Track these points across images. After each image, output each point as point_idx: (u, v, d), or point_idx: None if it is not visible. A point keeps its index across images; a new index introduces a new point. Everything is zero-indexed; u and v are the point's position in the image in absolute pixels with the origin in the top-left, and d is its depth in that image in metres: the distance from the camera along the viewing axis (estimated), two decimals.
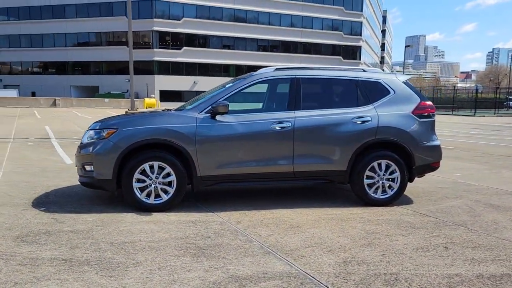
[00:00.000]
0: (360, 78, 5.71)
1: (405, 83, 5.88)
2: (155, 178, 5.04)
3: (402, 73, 6.52)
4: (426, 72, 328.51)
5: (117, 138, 4.98)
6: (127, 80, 54.19)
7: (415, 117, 5.68)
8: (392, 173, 5.58)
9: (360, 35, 66.91)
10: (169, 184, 5.09)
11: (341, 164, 5.47)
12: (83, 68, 59.43)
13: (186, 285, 3.13)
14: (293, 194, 6.19)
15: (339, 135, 5.43)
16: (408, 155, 5.61)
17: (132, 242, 4.00)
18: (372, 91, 5.69)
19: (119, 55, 53.95)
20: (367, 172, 5.53)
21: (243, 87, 5.44)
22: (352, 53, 66.45)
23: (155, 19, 53.26)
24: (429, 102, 5.89)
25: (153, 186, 5.05)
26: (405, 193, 6.28)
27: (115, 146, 4.95)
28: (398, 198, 5.68)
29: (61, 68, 60.16)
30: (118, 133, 5.01)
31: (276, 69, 5.68)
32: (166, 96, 53.82)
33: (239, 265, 3.55)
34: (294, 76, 5.56)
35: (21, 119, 22.78)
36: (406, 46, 66.75)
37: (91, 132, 5.24)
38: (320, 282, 3.26)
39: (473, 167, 9.12)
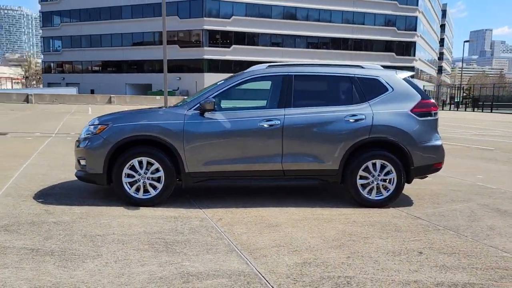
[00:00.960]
0: (356, 75, 5.54)
1: (406, 80, 5.64)
2: (144, 173, 5.17)
3: (403, 70, 6.23)
4: (491, 69, 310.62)
5: (107, 134, 5.16)
6: (178, 78, 55.80)
7: (414, 115, 5.43)
8: (387, 173, 5.38)
9: (415, 30, 64.51)
10: (158, 179, 5.20)
11: (333, 163, 5.34)
12: (138, 66, 61.65)
13: (132, 279, 3.21)
14: (290, 193, 6.12)
15: (330, 133, 5.31)
16: (405, 155, 5.39)
17: (104, 235, 4.14)
18: (369, 89, 5.50)
19: (170, 53, 55.31)
20: (361, 172, 5.36)
21: (233, 84, 5.45)
22: (406, 49, 64.24)
23: (205, 18, 54.22)
24: (431, 100, 5.61)
25: (141, 181, 5.18)
26: (409, 194, 6.06)
27: (105, 142, 5.13)
28: (394, 200, 5.46)
29: (118, 66, 62.78)
30: (108, 129, 5.19)
31: (269, 66, 5.64)
32: None
33: (196, 262, 3.58)
34: (286, 73, 5.49)
35: (73, 115, 24.01)
36: (465, 41, 63.47)
37: (88, 127, 5.45)
38: (268, 282, 3.23)
39: (503, 169, 8.58)
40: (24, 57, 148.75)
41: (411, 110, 5.44)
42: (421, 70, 74.50)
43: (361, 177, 5.38)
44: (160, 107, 5.98)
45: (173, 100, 46.61)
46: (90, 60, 64.21)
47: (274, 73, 5.56)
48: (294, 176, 5.40)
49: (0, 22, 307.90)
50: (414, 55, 65.37)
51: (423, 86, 73.53)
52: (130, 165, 5.15)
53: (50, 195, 5.57)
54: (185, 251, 3.80)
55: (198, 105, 5.24)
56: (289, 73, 5.49)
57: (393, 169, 5.36)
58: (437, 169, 5.63)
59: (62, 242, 3.92)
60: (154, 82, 59.05)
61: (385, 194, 5.41)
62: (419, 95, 5.53)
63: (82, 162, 5.31)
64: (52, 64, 68.79)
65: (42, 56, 74.88)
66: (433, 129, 5.56)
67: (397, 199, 5.49)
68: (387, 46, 63.02)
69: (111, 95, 49.10)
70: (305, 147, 5.31)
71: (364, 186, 5.40)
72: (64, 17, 64.93)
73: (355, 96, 5.47)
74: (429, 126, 5.52)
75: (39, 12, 69.37)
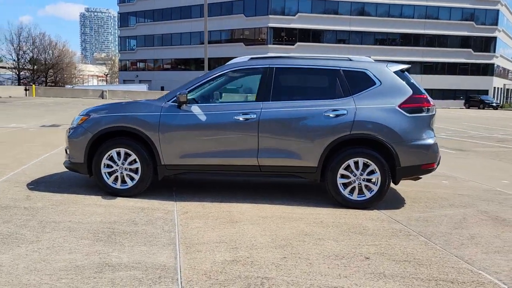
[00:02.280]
0: (341, 68, 5.23)
1: (397, 73, 5.22)
2: (122, 164, 5.26)
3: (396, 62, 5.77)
4: None
5: (88, 125, 5.31)
6: None
7: (402, 111, 5.03)
8: (371, 173, 5.04)
9: (496, 24, 59.92)
10: (136, 171, 5.27)
11: (311, 160, 5.10)
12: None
13: (48, 265, 3.26)
14: (278, 188, 5.92)
15: (308, 129, 5.07)
16: (390, 154, 5.01)
17: (59, 222, 4.26)
18: (355, 82, 5.18)
19: (235, 52, 56.16)
20: (342, 171, 5.06)
21: (212, 76, 5.38)
22: (485, 45, 59.89)
23: (270, 16, 54.30)
24: (425, 95, 5.16)
25: (119, 171, 5.27)
26: (405, 197, 5.69)
27: (85, 132, 5.29)
28: (378, 202, 5.10)
29: (187, 64, 64.87)
30: (89, 119, 5.34)
31: (251, 58, 5.49)
32: None
33: (126, 253, 3.57)
34: (268, 66, 5.31)
35: None
36: None
37: (77, 118, 5.65)
38: (179, 278, 3.14)
39: None
40: (109, 56, 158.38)
41: (399, 106, 5.04)
42: (503, 68, 69.14)
43: (342, 176, 5.08)
44: (147, 100, 6.04)
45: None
46: (161, 58, 66.91)
47: (255, 65, 5.41)
48: (270, 172, 5.23)
49: (90, 23, 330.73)
50: (495, 52, 60.76)
51: (504, 85, 68.24)
52: (109, 155, 5.26)
53: (44, 183, 5.84)
54: (124, 242, 3.81)
55: (175, 97, 5.23)
56: (270, 66, 5.31)
57: (377, 168, 5.00)
58: (428, 170, 5.17)
59: (16, 226, 4.09)
60: None
61: (368, 195, 5.07)
62: (409, 90, 5.11)
63: (68, 151, 5.51)
64: (127, 63, 72.61)
65: (119, 55, 79.37)
66: (425, 127, 5.12)
67: (381, 200, 5.12)
68: (463, 42, 59.17)
69: None
70: (282, 142, 5.11)
71: (345, 185, 5.10)
72: (139, 18, 68.24)
73: (339, 90, 5.17)
74: (420, 123, 5.08)
75: (118, 13, 73.53)
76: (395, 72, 5.21)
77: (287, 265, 3.42)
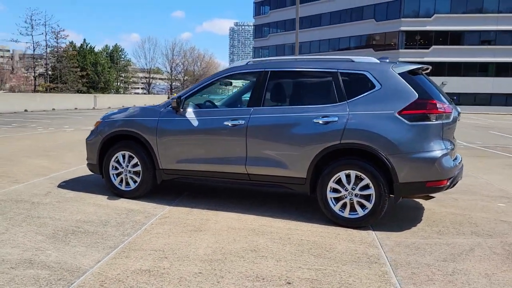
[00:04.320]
0: (339, 70, 4.69)
1: (404, 74, 4.50)
2: (126, 166, 5.48)
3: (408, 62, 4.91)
4: None
5: (100, 128, 5.65)
6: None
7: (402, 118, 4.31)
8: (364, 188, 4.42)
9: None
10: (138, 173, 5.44)
11: (300, 171, 4.67)
12: None
13: None
14: (281, 200, 5.54)
15: (297, 136, 4.66)
16: (387, 168, 4.33)
17: (41, 218, 4.58)
18: (352, 86, 4.61)
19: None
20: (333, 184, 4.54)
21: (208, 82, 5.29)
22: None
23: (402, 19, 51.36)
24: (433, 101, 4.34)
25: (124, 174, 5.50)
26: (427, 218, 4.90)
27: (97, 135, 5.64)
28: (372, 221, 4.45)
29: None
30: (101, 123, 5.69)
31: (248, 62, 5.26)
32: None
33: (61, 252, 3.67)
34: (262, 70, 5.03)
35: None
36: None
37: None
38: (76, 282, 3.14)
39: None
40: None
41: (399, 112, 4.33)
42: None
43: (333, 190, 4.56)
44: (153, 105, 6.13)
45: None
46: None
47: (251, 69, 5.17)
48: (259, 181, 4.93)
49: (238, 36, 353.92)
50: None
51: None
52: (116, 158, 5.52)
53: (71, 181, 6.37)
54: (71, 242, 3.94)
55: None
56: (265, 69, 5.02)
57: (371, 183, 4.37)
58: (437, 189, 4.33)
59: (1, 219, 4.52)
60: None
61: (361, 212, 4.46)
62: (414, 94, 4.35)
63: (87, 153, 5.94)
64: None
65: None
66: (432, 137, 4.31)
67: (376, 220, 4.46)
68: None
69: None
70: (270, 150, 4.78)
71: (337, 200, 4.56)
72: (272, 28, 70.61)
73: (333, 94, 4.65)
74: (425, 133, 4.30)
75: (253, 25, 77.19)
76: (401, 74, 4.50)
77: (193, 280, 3.18)
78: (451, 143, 4.60)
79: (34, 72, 57.56)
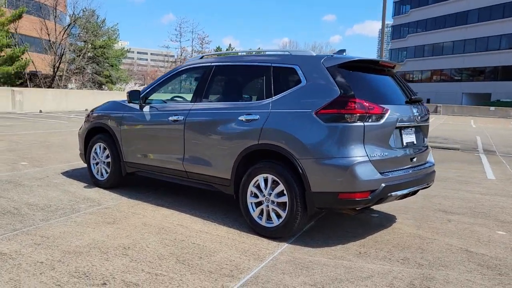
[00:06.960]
0: (273, 64, 4.25)
1: (334, 68, 3.86)
2: (101, 157, 5.75)
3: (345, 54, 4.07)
4: None
5: (86, 121, 6.02)
6: None
7: (318, 118, 3.72)
8: (280, 195, 3.95)
9: None
10: (108, 164, 5.66)
11: (224, 171, 4.36)
12: (477, 74, 56.44)
13: None
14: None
15: (222, 134, 4.37)
16: (299, 174, 3.80)
17: (10, 200, 5.04)
18: (281, 81, 4.14)
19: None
20: (252, 188, 4.15)
21: (165, 78, 5.24)
22: None
23: None
24: (356, 99, 3.63)
25: (99, 165, 5.78)
26: (378, 238, 4.19)
27: (84, 127, 6.03)
28: (287, 233, 3.95)
29: (454, 75, 59.41)
30: (89, 117, 6.04)
31: (201, 57, 5.06)
32: None
33: None
34: (209, 64, 4.81)
35: None
36: None
37: None
38: None
39: None
40: None
41: (317, 111, 3.75)
42: None
43: (253, 194, 4.16)
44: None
45: (511, 113, 40.43)
46: (429, 69, 63.37)
47: (199, 64, 4.98)
48: (196, 180, 4.73)
49: (386, 38, 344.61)
50: None
51: None
52: (94, 149, 5.83)
53: (82, 170, 6.88)
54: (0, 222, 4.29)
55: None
56: (211, 64, 4.80)
57: (286, 190, 3.89)
58: (352, 202, 3.63)
59: None
60: (494, 91, 52.67)
61: (276, 222, 3.98)
62: (337, 91, 3.71)
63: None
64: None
65: None
66: (348, 141, 3.63)
67: (289, 233, 3.94)
68: None
69: (438, 105, 47.43)
70: (200, 147, 4.57)
71: (257, 205, 4.15)
72: (411, 28, 66.54)
73: (263, 91, 4.23)
74: (340, 136, 3.64)
75: (391, 26, 73.65)
76: (330, 68, 3.87)
77: (30, 270, 3.22)
78: (387, 149, 3.83)
79: None
